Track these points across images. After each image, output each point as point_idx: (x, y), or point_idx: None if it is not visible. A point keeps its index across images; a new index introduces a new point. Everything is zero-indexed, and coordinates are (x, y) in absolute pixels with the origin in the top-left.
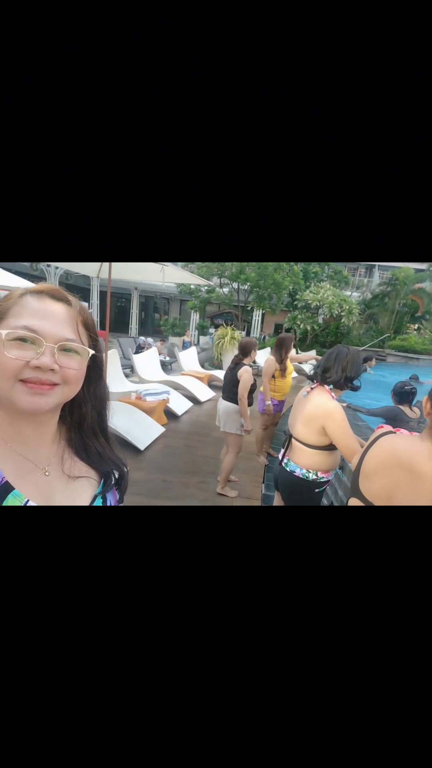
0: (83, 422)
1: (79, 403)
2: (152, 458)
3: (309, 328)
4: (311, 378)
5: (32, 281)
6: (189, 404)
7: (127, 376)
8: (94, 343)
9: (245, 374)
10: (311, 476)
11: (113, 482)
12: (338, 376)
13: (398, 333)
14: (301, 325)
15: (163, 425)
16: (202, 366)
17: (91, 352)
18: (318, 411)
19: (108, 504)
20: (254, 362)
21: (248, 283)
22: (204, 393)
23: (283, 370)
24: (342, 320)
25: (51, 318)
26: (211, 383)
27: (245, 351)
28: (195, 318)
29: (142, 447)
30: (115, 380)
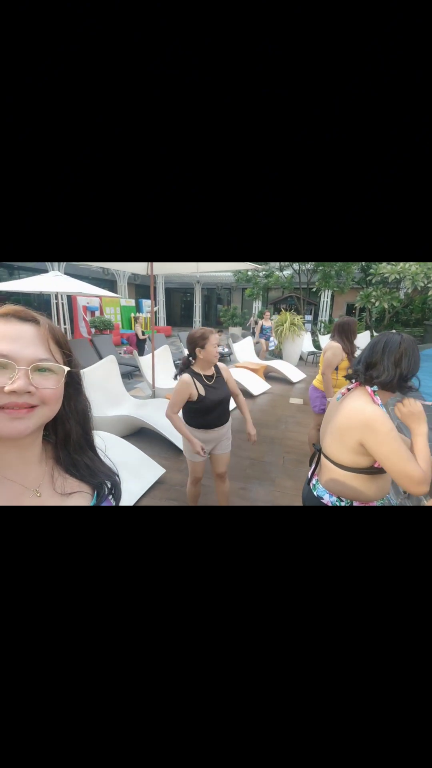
0: (68, 439)
1: (62, 421)
2: None
3: (387, 305)
4: (350, 377)
5: (105, 286)
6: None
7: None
8: (68, 359)
9: (177, 385)
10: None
11: (106, 493)
12: (389, 375)
13: None
14: (377, 303)
15: None
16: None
17: (66, 369)
18: (353, 421)
19: None
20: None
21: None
22: (257, 386)
23: (351, 362)
24: (430, 293)
25: (20, 340)
26: (268, 374)
27: (190, 349)
28: (257, 305)
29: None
30: (165, 376)
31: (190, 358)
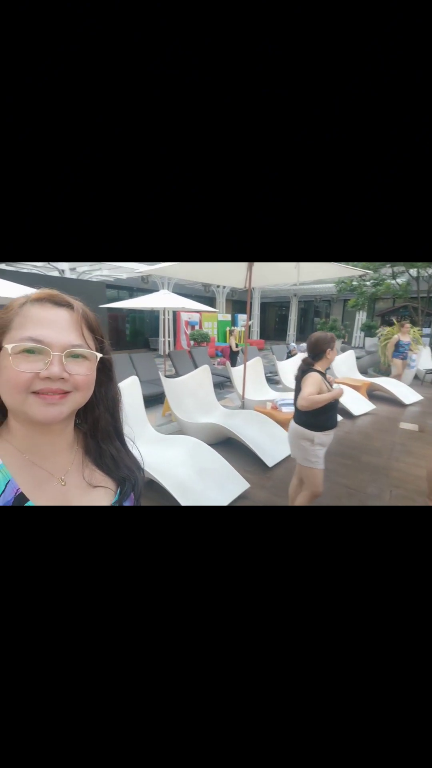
0: (97, 425)
1: (92, 407)
2: (280, 478)
3: None
4: None
5: (205, 302)
6: (338, 418)
7: (277, 382)
8: (100, 345)
9: (310, 380)
10: None
11: (128, 489)
12: None
13: None
14: None
15: None
16: (364, 372)
17: (99, 355)
18: None
19: None
20: (328, 368)
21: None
22: (359, 405)
23: None
24: None
25: (55, 325)
26: (372, 393)
27: (316, 350)
28: (360, 318)
29: (270, 463)
30: (255, 388)
31: (312, 359)
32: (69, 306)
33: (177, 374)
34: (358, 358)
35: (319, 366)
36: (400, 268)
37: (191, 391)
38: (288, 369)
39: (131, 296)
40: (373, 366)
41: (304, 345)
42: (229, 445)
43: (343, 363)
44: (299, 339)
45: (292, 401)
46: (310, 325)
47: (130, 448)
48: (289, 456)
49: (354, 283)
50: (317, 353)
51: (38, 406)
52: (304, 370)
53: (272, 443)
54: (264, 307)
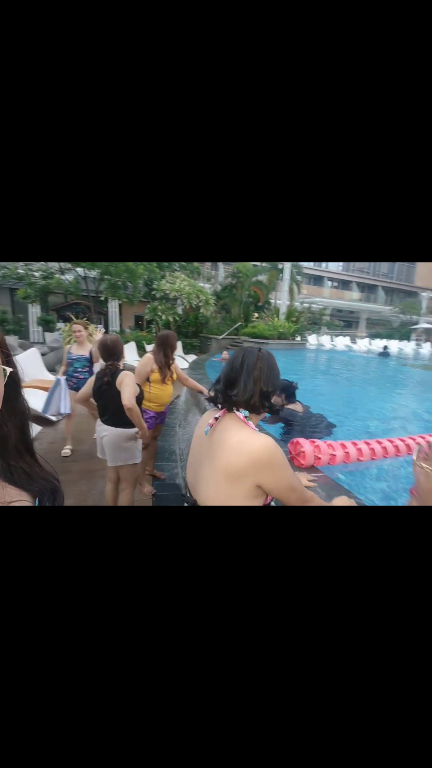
0: (7, 442)
1: (0, 424)
2: None
3: (171, 319)
4: (212, 399)
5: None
6: (36, 429)
7: None
8: (7, 359)
9: (127, 379)
10: None
11: (47, 500)
12: (249, 392)
13: (247, 321)
14: (163, 316)
15: None
16: (53, 370)
17: (9, 369)
18: (247, 458)
19: None
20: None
21: (96, 270)
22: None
23: (164, 376)
24: (200, 311)
25: None
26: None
27: (114, 352)
28: (34, 311)
29: None
30: None
31: (114, 360)
32: None
33: None
34: (43, 354)
35: (122, 364)
36: (67, 264)
37: None
38: None
39: None
40: (60, 362)
41: None
42: None
43: (29, 363)
44: None
45: None
46: None
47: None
48: None
49: (20, 271)
50: (116, 354)
51: None
52: (113, 372)
53: None
54: None
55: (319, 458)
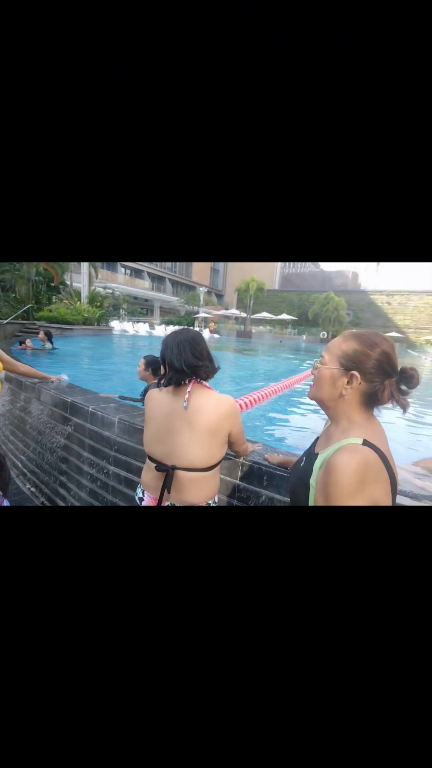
0: None
1: None
2: None
3: None
4: (173, 380)
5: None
6: None
7: None
8: None
9: None
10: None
11: None
12: (203, 363)
13: (39, 303)
14: None
15: None
16: None
17: None
18: (220, 414)
19: None
20: None
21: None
22: None
23: None
24: None
25: None
26: None
27: None
28: None
29: None
30: None
31: None
32: None
33: None
34: None
35: None
36: None
37: None
38: None
39: None
40: None
41: None
42: None
43: None
44: None
45: None
46: None
47: None
48: None
49: None
50: None
51: None
52: None
53: None
54: None
55: None
